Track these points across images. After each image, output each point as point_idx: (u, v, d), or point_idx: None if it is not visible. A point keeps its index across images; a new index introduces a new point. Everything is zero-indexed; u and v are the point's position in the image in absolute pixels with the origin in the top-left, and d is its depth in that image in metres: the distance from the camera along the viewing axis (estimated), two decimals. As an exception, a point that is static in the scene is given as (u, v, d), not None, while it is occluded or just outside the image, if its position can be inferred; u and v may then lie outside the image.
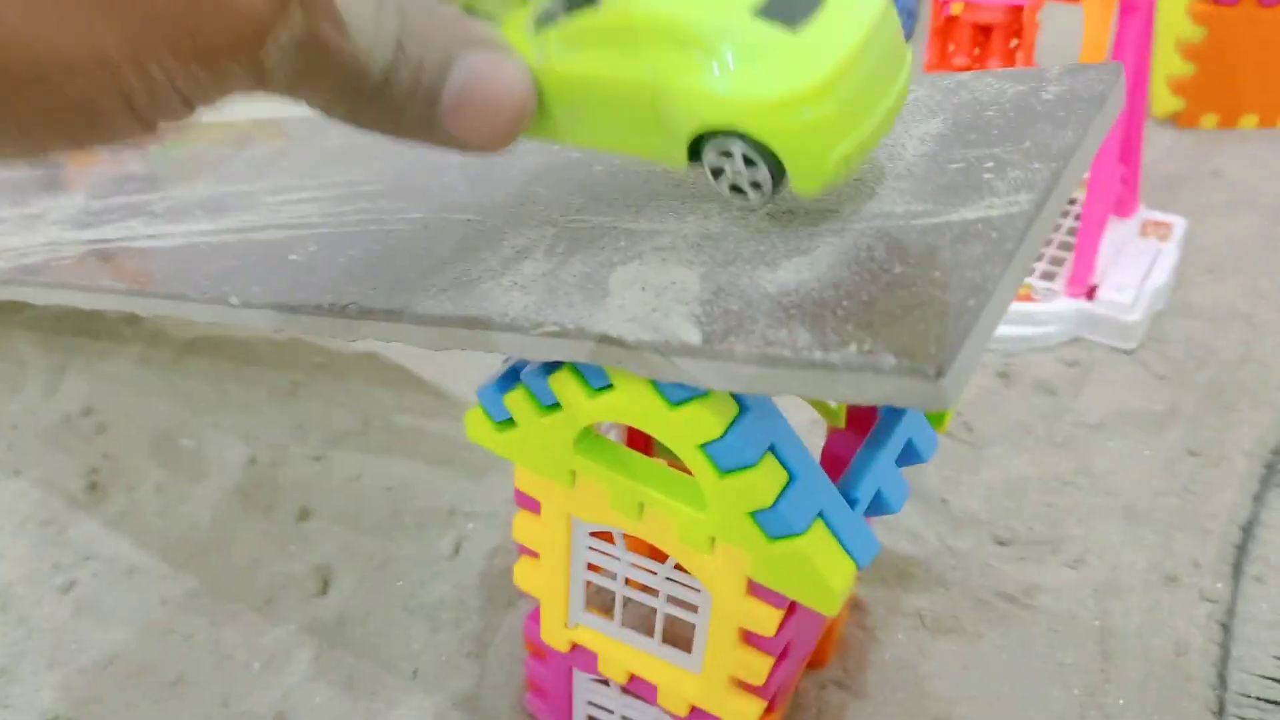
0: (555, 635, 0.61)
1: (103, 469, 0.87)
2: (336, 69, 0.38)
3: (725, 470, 0.47)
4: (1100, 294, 0.90)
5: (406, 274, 0.52)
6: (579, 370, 0.49)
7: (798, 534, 0.47)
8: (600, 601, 0.60)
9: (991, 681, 0.69)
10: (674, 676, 0.58)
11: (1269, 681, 0.68)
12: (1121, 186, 0.96)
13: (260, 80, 0.37)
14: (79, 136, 0.36)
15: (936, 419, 0.58)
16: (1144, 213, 0.99)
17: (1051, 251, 0.96)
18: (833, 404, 0.63)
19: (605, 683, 0.63)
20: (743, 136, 0.38)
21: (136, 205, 0.73)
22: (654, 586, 0.56)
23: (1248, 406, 0.85)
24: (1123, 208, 0.97)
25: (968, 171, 0.44)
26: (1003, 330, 0.91)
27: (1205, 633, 0.71)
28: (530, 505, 0.57)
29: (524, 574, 0.60)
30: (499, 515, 0.82)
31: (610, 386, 0.48)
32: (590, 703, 0.65)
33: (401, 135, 0.42)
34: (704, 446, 0.47)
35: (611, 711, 0.65)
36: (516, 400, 0.52)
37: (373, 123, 0.41)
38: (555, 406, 0.50)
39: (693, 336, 0.40)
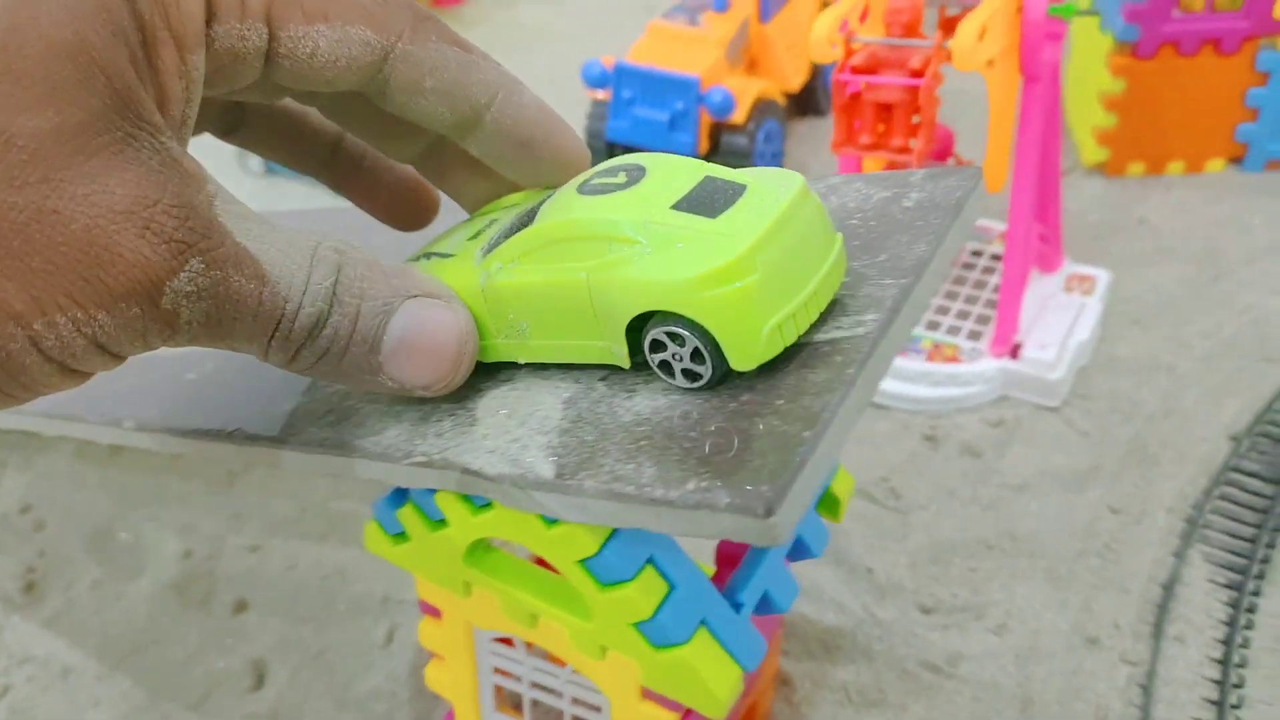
0: (470, 735, 0.62)
1: (39, 568, 0.88)
2: (255, 318, 0.39)
3: (605, 584, 0.48)
4: (1024, 352, 0.91)
5: (294, 399, 0.52)
6: (464, 495, 0.49)
7: (681, 643, 0.48)
8: (514, 700, 0.61)
9: (914, 756, 0.69)
10: (587, 773, 0.59)
11: (1188, 746, 0.69)
12: (1042, 244, 0.97)
13: (171, 326, 0.38)
14: (4, 389, 0.38)
15: (831, 510, 0.58)
16: (1068, 267, 1.00)
17: (978, 310, 0.97)
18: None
19: (526, 779, 0.64)
20: (676, 317, 0.40)
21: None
22: (557, 689, 0.57)
23: (1170, 461, 0.86)
24: (1046, 263, 0.99)
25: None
26: (929, 392, 0.92)
27: (1125, 696, 0.71)
28: (433, 611, 0.57)
29: (435, 676, 0.61)
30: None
31: (490, 505, 0.49)
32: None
33: (342, 380, 0.44)
34: (582, 562, 0.48)
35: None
36: (407, 515, 0.52)
37: (310, 367, 0.42)
38: (444, 522, 0.51)
39: (546, 471, 0.41)
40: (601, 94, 1.18)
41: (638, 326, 0.42)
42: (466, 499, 0.49)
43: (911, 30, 0.83)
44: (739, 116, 1.12)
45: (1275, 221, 1.08)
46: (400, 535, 0.54)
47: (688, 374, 0.42)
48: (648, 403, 0.42)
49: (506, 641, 0.57)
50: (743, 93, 1.12)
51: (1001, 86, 0.83)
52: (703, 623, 0.49)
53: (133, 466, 0.95)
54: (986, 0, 0.79)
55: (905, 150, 0.81)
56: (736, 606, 0.51)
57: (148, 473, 0.95)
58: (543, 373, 0.47)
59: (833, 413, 0.38)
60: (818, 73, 1.28)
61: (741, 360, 0.40)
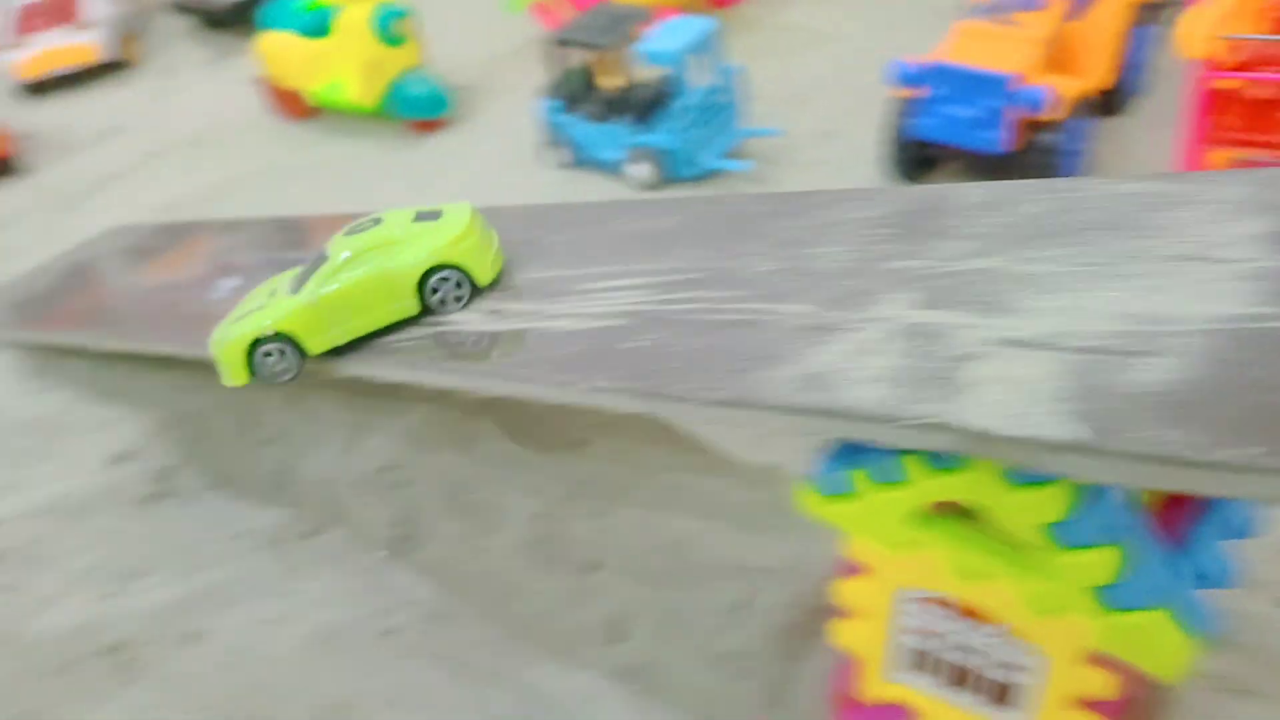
0: (872, 689, 0.65)
1: (408, 520, 0.96)
2: None
3: (1068, 547, 0.50)
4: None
5: (756, 366, 0.57)
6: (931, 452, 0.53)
7: (1139, 609, 0.50)
8: (920, 659, 0.64)
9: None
10: (998, 735, 0.61)
11: None
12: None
13: None
14: None
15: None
16: None
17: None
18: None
19: (919, 736, 0.67)
20: (445, 266, 0.74)
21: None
22: (979, 647, 0.59)
23: None
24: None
25: None
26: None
27: None
28: (858, 570, 0.61)
29: (847, 632, 0.65)
30: (787, 570, 0.86)
31: (956, 466, 0.52)
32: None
33: None
34: (1048, 526, 0.50)
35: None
36: (857, 475, 0.56)
37: None
38: (902, 482, 0.54)
39: (1075, 433, 0.44)
40: (908, 92, 1.20)
41: (420, 284, 0.74)
42: (931, 460, 0.53)
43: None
44: (1056, 114, 1.12)
45: None
46: (841, 495, 0.58)
47: (457, 299, 0.75)
48: (1155, 376, 0.45)
49: (937, 602, 0.60)
50: (1063, 90, 1.12)
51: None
52: (1161, 591, 0.51)
53: (482, 433, 1.03)
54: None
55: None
56: (1195, 578, 0.53)
57: (495, 439, 1.03)
58: (1017, 345, 0.50)
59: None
60: (1122, 72, 1.27)
61: (482, 280, 0.75)
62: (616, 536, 0.92)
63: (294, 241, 1.09)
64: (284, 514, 1.00)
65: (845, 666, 0.68)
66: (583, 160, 1.42)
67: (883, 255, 0.61)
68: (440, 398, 1.08)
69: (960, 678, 0.63)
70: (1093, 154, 1.24)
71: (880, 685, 0.65)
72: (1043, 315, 0.51)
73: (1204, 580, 0.55)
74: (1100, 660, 0.54)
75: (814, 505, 0.59)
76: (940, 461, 0.52)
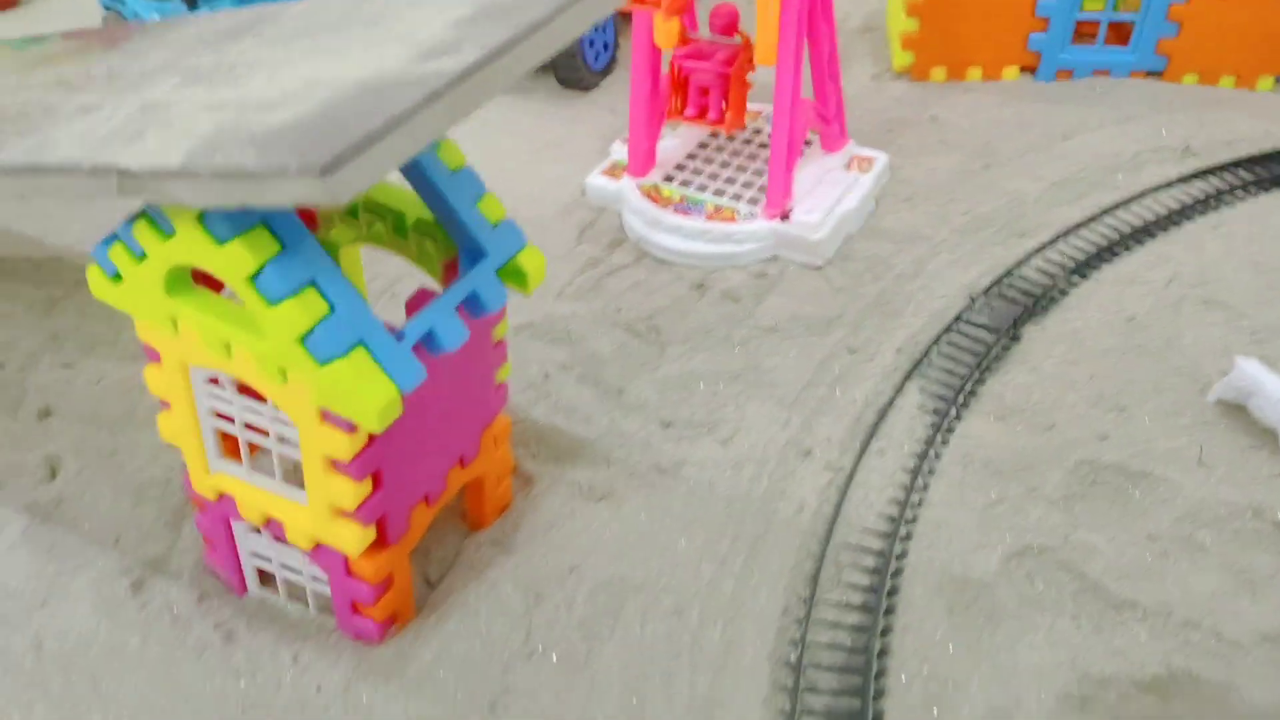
0: (201, 484, 0.68)
1: None
2: None
3: (272, 301, 0.55)
4: (794, 216, 0.99)
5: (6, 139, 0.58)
6: (151, 217, 0.56)
7: (339, 357, 0.55)
8: (224, 443, 0.67)
9: (626, 536, 0.77)
10: (295, 513, 0.66)
11: (864, 532, 0.77)
12: (823, 124, 1.05)
13: None
14: None
15: (519, 281, 0.66)
16: (852, 149, 1.08)
17: (760, 182, 1.05)
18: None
19: (259, 530, 0.71)
20: None
21: None
22: (264, 427, 0.64)
23: (910, 313, 0.94)
24: (829, 143, 1.07)
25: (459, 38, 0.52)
26: (705, 248, 0.99)
27: (824, 495, 0.79)
28: (154, 356, 0.64)
29: (165, 424, 0.68)
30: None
31: (174, 233, 0.55)
32: (252, 552, 0.72)
33: None
34: (251, 279, 0.54)
35: (270, 559, 0.72)
36: (118, 253, 0.59)
37: None
38: (140, 256, 0.58)
39: (171, 160, 0.48)
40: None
41: None
42: (156, 227, 0.56)
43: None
44: None
45: (1052, 122, 1.17)
46: (116, 276, 0.60)
47: None
48: (283, 116, 0.49)
49: (219, 382, 0.64)
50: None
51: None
52: (361, 342, 0.56)
53: (-45, 290, 1.01)
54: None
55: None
56: (400, 337, 0.58)
57: (-31, 296, 1.00)
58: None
59: (410, 115, 0.45)
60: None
61: None
62: (76, 386, 0.93)
63: None
64: None
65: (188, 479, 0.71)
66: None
67: (194, 53, 0.64)
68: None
69: (259, 459, 0.68)
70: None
71: (204, 478, 0.68)
72: (245, 87, 0.55)
73: (431, 341, 0.60)
74: (334, 420, 0.59)
75: (98, 290, 0.62)
76: (161, 224, 0.55)
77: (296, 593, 0.73)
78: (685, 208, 1.02)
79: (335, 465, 0.61)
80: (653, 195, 1.04)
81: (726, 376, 0.89)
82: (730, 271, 0.99)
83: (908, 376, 0.88)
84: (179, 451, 0.85)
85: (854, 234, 1.03)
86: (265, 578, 0.74)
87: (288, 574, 0.72)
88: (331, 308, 0.55)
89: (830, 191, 1.02)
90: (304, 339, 0.55)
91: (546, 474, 0.82)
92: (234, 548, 0.72)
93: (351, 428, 0.59)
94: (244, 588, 0.74)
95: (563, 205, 1.10)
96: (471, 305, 0.62)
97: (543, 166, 1.17)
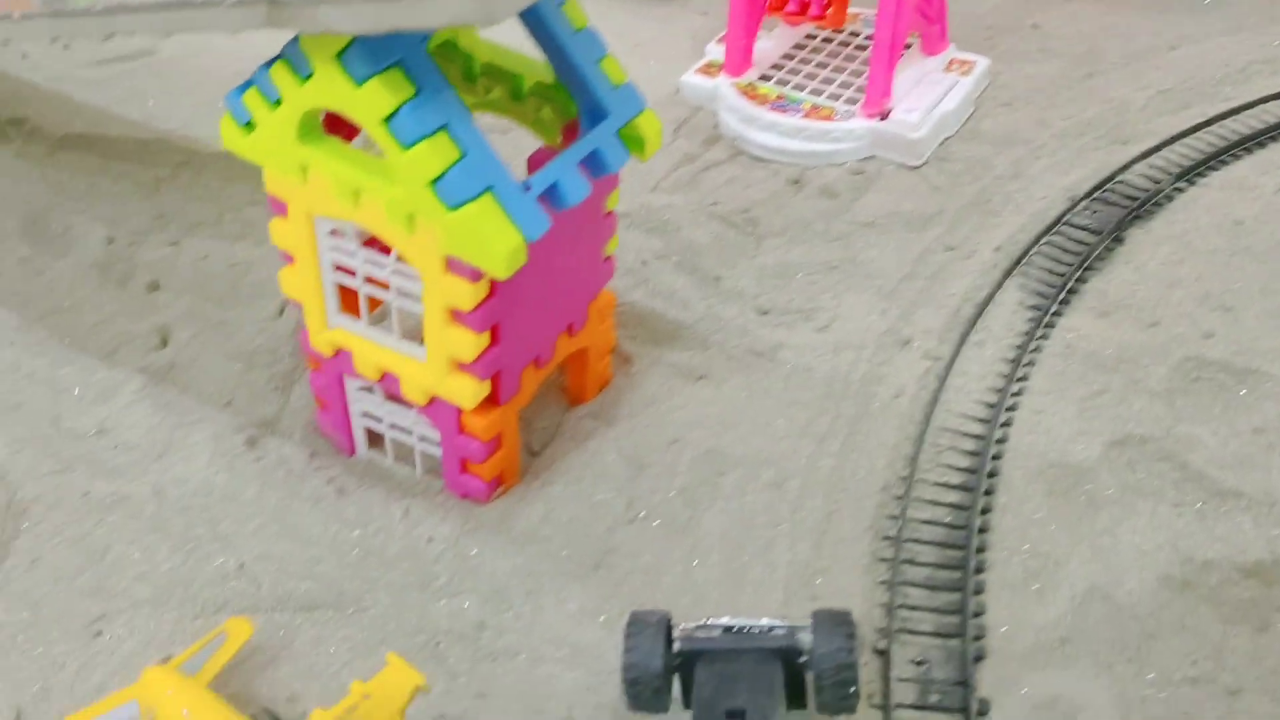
0: (319, 339, 0.70)
1: (-26, 244, 0.96)
2: None
3: (406, 144, 0.56)
4: (893, 115, 0.98)
5: None
6: (289, 60, 0.57)
7: (468, 201, 0.56)
8: (344, 297, 0.69)
9: (725, 413, 0.78)
10: (411, 367, 0.67)
11: (963, 418, 0.77)
12: (925, 24, 1.04)
13: None
14: None
15: (636, 147, 0.66)
16: (951, 52, 1.07)
17: (858, 82, 1.04)
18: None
19: (371, 390, 0.72)
20: None
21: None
22: (385, 279, 0.65)
23: (1009, 213, 0.94)
24: (930, 46, 1.05)
25: None
26: (802, 146, 0.99)
27: (922, 382, 0.80)
28: (280, 209, 0.65)
29: (287, 280, 0.69)
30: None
31: (312, 74, 0.56)
32: (363, 413, 0.74)
33: None
34: (386, 121, 0.55)
35: (380, 419, 0.74)
36: (252, 99, 0.60)
37: None
38: (276, 101, 0.59)
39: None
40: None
41: None
42: (293, 69, 0.57)
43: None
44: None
45: (1158, 31, 1.15)
46: (249, 125, 0.62)
47: None
48: None
49: (343, 234, 0.65)
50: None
51: None
52: (489, 189, 0.57)
53: (68, 167, 1.03)
54: None
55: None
56: (525, 187, 0.59)
57: (83, 173, 1.03)
58: None
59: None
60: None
61: None
62: (182, 263, 0.95)
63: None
64: None
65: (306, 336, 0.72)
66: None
67: None
68: (29, 135, 1.07)
69: (379, 313, 0.69)
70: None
71: (322, 333, 0.70)
72: None
73: (554, 195, 0.61)
74: (457, 268, 0.60)
75: (229, 140, 0.63)
76: (298, 66, 0.56)
77: (404, 454, 0.75)
78: (782, 105, 1.02)
79: (456, 317, 0.62)
80: (749, 93, 1.04)
81: (823, 268, 0.89)
82: (826, 169, 0.99)
83: (1007, 274, 0.88)
84: (287, 321, 0.88)
85: (952, 136, 1.02)
86: (374, 439, 0.76)
87: (397, 435, 0.74)
88: (463, 153, 0.56)
89: (930, 92, 1.01)
90: (435, 183, 0.56)
91: (645, 355, 0.83)
92: (345, 408, 0.74)
93: (476, 276, 0.60)
94: (353, 449, 0.76)
95: (656, 103, 1.09)
96: (593, 163, 0.63)
97: (635, 65, 1.16)
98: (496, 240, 0.57)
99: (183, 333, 0.88)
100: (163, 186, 1.02)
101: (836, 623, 0.54)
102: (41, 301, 0.91)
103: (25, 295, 0.91)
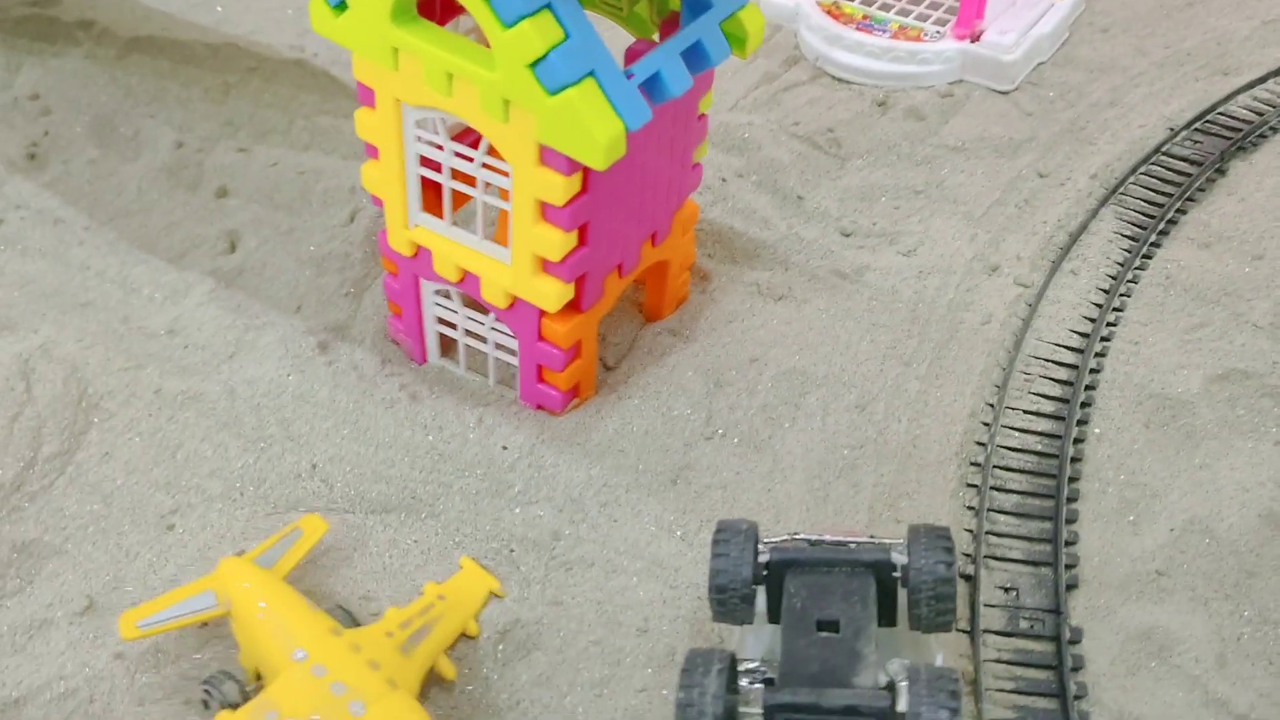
0: (399, 238, 0.68)
1: (42, 143, 0.95)
2: None
3: (508, 22, 0.53)
4: (985, 37, 0.94)
5: None
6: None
7: (570, 85, 0.54)
8: (428, 193, 0.67)
9: (804, 335, 0.76)
10: (494, 268, 0.65)
11: (1055, 346, 0.74)
12: (1022, -57, 1.00)
13: None
14: None
15: (738, 44, 0.63)
16: (1047, -25, 1.03)
17: (948, 2, 1.00)
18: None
19: (448, 295, 0.71)
20: None
21: None
22: (471, 174, 0.63)
23: (1105, 141, 0.90)
24: (1026, -33, 1.01)
25: None
26: (889, 68, 0.96)
27: (1012, 309, 0.77)
28: (368, 99, 0.63)
29: (369, 175, 0.67)
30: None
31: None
32: (438, 318, 0.73)
33: None
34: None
35: (455, 326, 0.72)
36: (343, -23, 0.58)
37: None
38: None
39: None
40: None
41: None
42: (387, -51, 0.55)
43: None
44: None
45: (1264, -40, 1.09)
46: (340, 6, 0.59)
47: None
48: None
49: (433, 127, 0.63)
50: None
51: None
52: (591, 73, 0.55)
53: (137, 70, 1.02)
54: None
55: None
56: (627, 75, 0.57)
57: (152, 77, 1.01)
58: None
59: None
60: None
61: None
62: (251, 169, 0.93)
63: None
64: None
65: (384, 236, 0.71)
66: None
67: None
68: (98, 38, 1.05)
69: (462, 212, 0.67)
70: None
71: (402, 232, 0.68)
72: None
73: (656, 85, 0.58)
74: (551, 160, 0.58)
75: (319, 23, 0.61)
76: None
77: (477, 364, 0.74)
78: (868, 25, 0.98)
79: (546, 213, 0.60)
80: (833, 12, 1.00)
81: (909, 191, 0.86)
82: (913, 92, 0.95)
83: (1103, 203, 0.84)
84: (359, 228, 0.86)
85: (1045, 61, 0.98)
86: (446, 348, 0.75)
87: (471, 342, 0.72)
88: (566, 34, 0.54)
89: (1024, 15, 0.97)
90: (536, 65, 0.54)
91: (723, 273, 0.81)
92: (419, 313, 0.73)
93: (570, 169, 0.58)
94: (424, 356, 0.75)
95: (735, 23, 1.07)
96: (694, 56, 0.60)
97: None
98: (597, 128, 0.54)
99: (251, 239, 0.86)
100: (232, 92, 1.01)
101: (935, 537, 0.52)
102: (111, 203, 0.90)
103: (94, 197, 0.90)
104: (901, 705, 0.45)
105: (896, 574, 0.53)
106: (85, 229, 0.87)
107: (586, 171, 0.59)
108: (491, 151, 0.61)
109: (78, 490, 0.67)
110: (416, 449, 0.69)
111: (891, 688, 0.47)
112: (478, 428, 0.70)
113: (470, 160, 0.62)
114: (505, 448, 0.69)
